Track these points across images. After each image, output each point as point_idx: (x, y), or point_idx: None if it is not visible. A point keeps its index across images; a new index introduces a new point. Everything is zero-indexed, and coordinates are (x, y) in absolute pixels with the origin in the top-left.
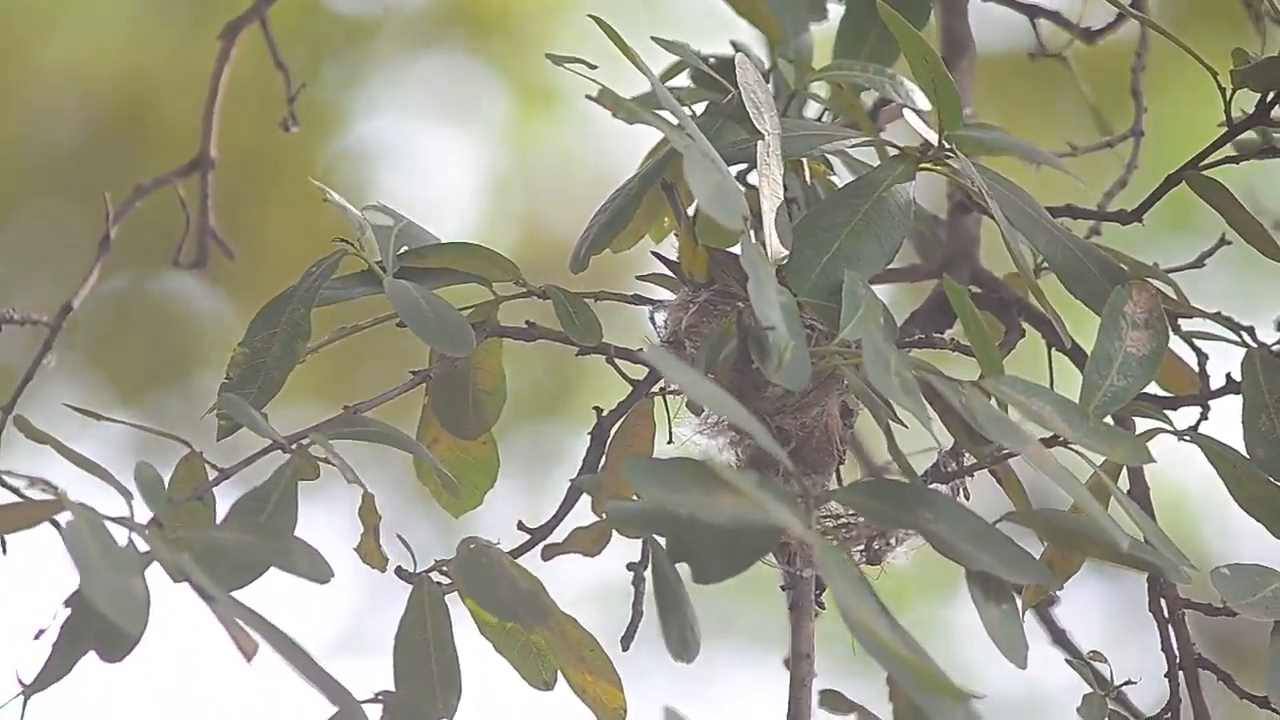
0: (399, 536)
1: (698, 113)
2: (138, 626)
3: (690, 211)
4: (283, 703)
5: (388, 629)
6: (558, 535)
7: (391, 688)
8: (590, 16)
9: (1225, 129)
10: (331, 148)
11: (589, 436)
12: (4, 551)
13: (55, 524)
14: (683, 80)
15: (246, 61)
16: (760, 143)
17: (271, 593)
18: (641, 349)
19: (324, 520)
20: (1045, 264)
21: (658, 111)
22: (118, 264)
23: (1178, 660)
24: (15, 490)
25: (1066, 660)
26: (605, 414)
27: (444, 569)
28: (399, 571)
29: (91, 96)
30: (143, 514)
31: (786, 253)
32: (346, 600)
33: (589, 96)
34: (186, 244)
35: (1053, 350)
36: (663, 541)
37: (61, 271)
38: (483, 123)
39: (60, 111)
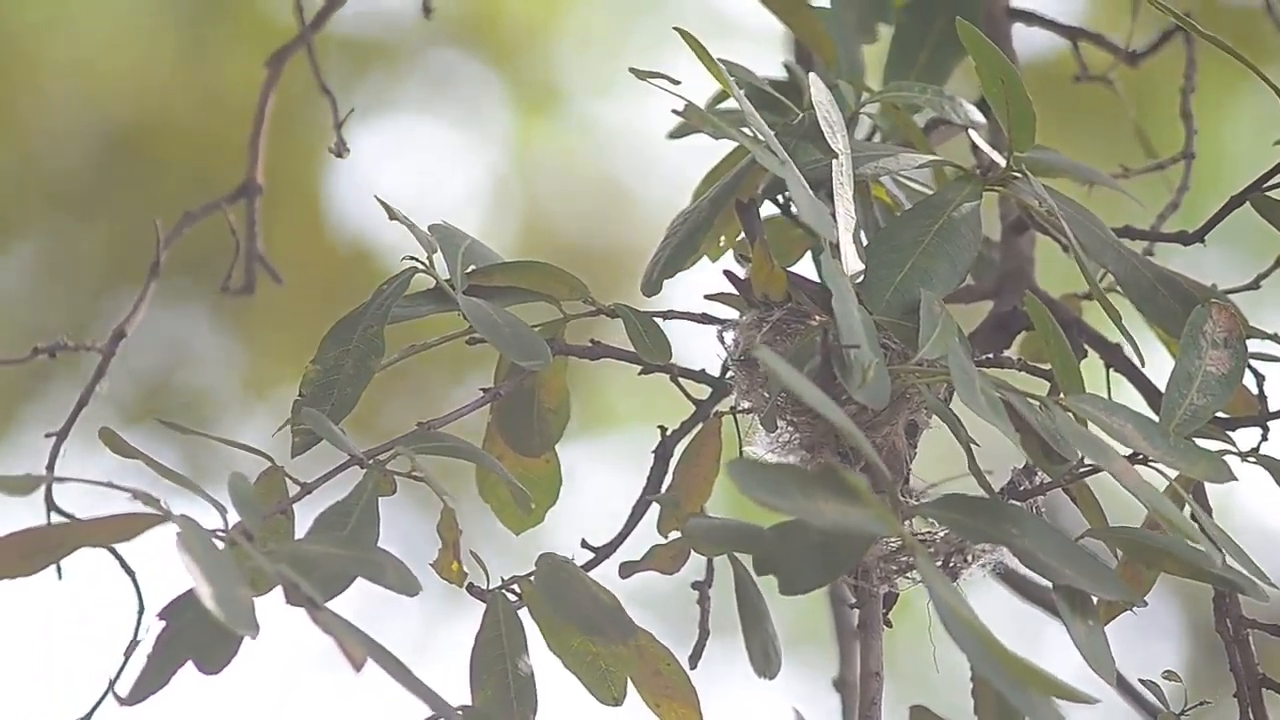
0: (472, 553)
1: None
2: (251, 630)
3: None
4: None
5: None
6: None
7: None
8: (676, 29)
9: None
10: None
11: (652, 455)
12: (59, 576)
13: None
14: (729, 101)
15: (248, 82)
16: (835, 162)
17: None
18: (704, 369)
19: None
20: (1110, 284)
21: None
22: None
23: (1244, 681)
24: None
25: (1140, 681)
26: (670, 433)
27: (514, 586)
28: (471, 588)
29: (102, 115)
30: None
31: (861, 269)
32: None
33: (675, 111)
34: (235, 270)
35: (1109, 371)
36: (743, 557)
37: (72, 290)
38: (483, 123)
39: (70, 129)
